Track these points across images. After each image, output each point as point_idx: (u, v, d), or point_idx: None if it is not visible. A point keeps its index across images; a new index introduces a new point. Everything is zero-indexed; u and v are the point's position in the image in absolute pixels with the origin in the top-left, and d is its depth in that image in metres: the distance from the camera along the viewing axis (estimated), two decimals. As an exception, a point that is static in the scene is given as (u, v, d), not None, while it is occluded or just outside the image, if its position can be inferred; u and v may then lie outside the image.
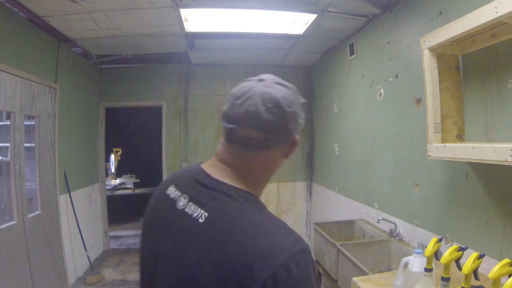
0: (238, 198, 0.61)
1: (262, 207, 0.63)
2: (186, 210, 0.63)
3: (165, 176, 4.28)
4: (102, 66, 4.09)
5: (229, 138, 0.67)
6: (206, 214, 0.60)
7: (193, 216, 0.61)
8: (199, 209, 0.61)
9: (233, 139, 0.66)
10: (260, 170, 0.68)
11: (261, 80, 0.67)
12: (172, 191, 0.69)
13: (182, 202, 0.65)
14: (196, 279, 0.56)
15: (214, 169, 0.67)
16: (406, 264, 1.34)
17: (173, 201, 0.67)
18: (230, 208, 0.60)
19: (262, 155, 0.66)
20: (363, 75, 2.81)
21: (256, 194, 0.66)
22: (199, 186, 0.65)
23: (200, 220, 0.59)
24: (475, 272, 1.09)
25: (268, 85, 0.66)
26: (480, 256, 1.09)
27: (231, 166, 0.66)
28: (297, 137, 0.71)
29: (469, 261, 1.07)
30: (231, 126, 0.64)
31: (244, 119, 0.63)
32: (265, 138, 0.64)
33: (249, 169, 0.67)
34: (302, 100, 0.72)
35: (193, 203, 0.63)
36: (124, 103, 4.35)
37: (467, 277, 1.07)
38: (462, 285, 1.09)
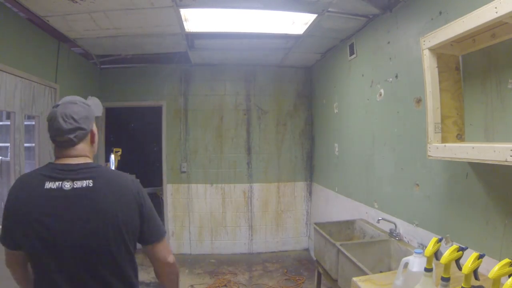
0: (95, 166, 1.09)
1: (108, 168, 1.12)
2: (75, 186, 1.01)
3: (165, 176, 4.28)
4: (102, 66, 4.09)
5: (59, 145, 1.08)
6: (91, 180, 1.03)
7: (83, 186, 1.02)
8: (83, 181, 1.02)
9: (60, 145, 1.08)
10: (87, 151, 1.13)
11: (57, 105, 1.08)
12: (51, 184, 1.01)
13: (68, 184, 1.01)
14: (106, 227, 1.01)
15: (67, 161, 1.07)
16: (406, 264, 1.34)
17: (59, 189, 1.00)
18: (97, 170, 1.07)
19: (81, 145, 1.10)
20: (363, 75, 2.82)
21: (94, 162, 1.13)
22: (70, 172, 1.03)
23: (90, 185, 1.02)
24: (475, 272, 1.09)
25: (64, 107, 1.07)
26: (480, 256, 1.09)
27: (73, 156, 1.08)
28: (94, 128, 1.16)
29: (469, 261, 1.07)
30: (54, 139, 1.07)
31: (57, 132, 1.05)
32: (69, 139, 1.06)
33: (82, 153, 1.10)
34: (88, 104, 1.15)
35: (77, 180, 1.02)
36: (124, 103, 4.35)
37: (467, 277, 1.07)
38: (462, 285, 1.09)
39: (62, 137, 1.05)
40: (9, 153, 2.47)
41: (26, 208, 0.99)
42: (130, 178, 1.13)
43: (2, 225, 1.02)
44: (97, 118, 4.17)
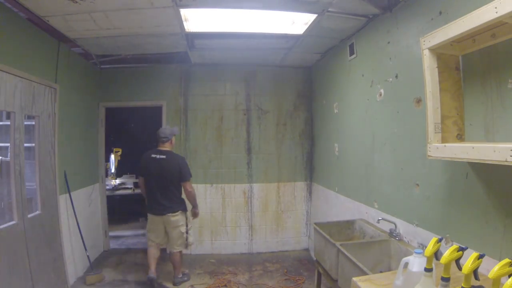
0: (170, 152, 3.33)
1: (174, 152, 3.39)
2: (158, 157, 3.24)
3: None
4: (102, 66, 4.09)
5: (159, 140, 3.33)
6: (164, 156, 3.25)
7: (161, 157, 3.24)
8: (162, 156, 3.25)
9: (159, 141, 3.33)
10: (170, 146, 3.36)
11: (160, 129, 3.42)
12: (154, 155, 3.26)
13: (158, 156, 3.25)
14: (168, 172, 3.23)
15: (161, 148, 3.31)
16: (406, 264, 1.34)
17: (155, 157, 3.24)
18: (169, 154, 3.30)
19: (168, 143, 3.33)
20: (363, 75, 2.82)
21: (172, 150, 3.37)
22: (158, 152, 3.28)
23: (164, 157, 3.25)
24: (475, 272, 1.09)
25: (162, 129, 3.40)
26: (480, 256, 1.09)
27: (163, 146, 3.31)
28: (172, 138, 3.38)
29: (469, 261, 1.07)
30: (158, 137, 3.33)
31: (160, 135, 3.32)
32: (163, 139, 3.32)
33: (168, 146, 3.33)
34: (171, 129, 3.43)
35: (159, 155, 3.25)
36: (124, 103, 4.35)
37: (467, 277, 1.07)
38: (462, 285, 1.09)
39: (160, 138, 3.28)
40: (9, 153, 2.46)
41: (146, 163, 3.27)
42: (180, 156, 3.39)
43: (140, 168, 3.33)
44: (97, 118, 4.18)
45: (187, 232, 3.32)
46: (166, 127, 3.38)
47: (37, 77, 2.68)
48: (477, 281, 1.12)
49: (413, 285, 1.23)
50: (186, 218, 3.31)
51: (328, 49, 3.58)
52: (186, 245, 3.36)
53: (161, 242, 3.30)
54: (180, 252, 3.36)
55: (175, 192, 3.23)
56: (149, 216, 3.25)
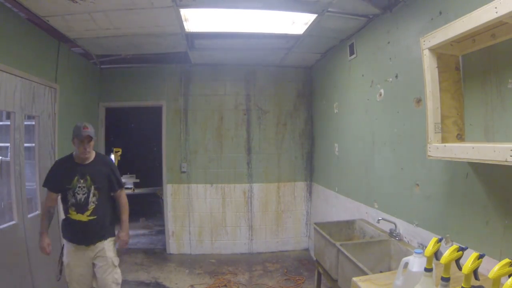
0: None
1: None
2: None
3: (165, 176, 4.28)
4: (102, 66, 4.09)
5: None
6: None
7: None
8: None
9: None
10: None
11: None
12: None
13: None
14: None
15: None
16: (406, 264, 1.34)
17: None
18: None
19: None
20: (363, 75, 2.82)
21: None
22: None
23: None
24: (475, 272, 1.09)
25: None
26: (480, 256, 1.09)
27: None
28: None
29: (469, 261, 1.07)
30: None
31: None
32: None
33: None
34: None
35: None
36: (124, 103, 4.35)
37: (467, 277, 1.07)
38: (462, 285, 1.09)
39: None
40: (9, 153, 2.46)
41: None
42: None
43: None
44: (97, 118, 4.17)
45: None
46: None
47: (37, 77, 2.68)
48: (477, 281, 1.12)
49: (413, 285, 1.23)
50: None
51: (328, 49, 3.58)
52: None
53: None
54: None
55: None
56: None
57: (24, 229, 2.45)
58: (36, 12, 2.39)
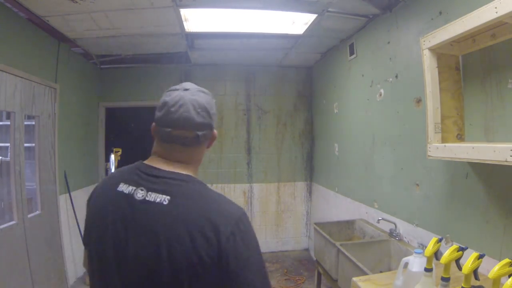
0: (188, 180, 0.77)
1: (206, 186, 0.80)
2: (147, 199, 0.73)
3: (165, 176, 4.27)
4: (102, 66, 4.09)
5: (166, 139, 0.80)
6: (168, 197, 0.72)
7: (156, 202, 0.72)
8: (160, 195, 0.73)
9: (170, 140, 0.80)
10: (195, 160, 0.85)
11: (186, 89, 0.82)
12: (125, 188, 0.77)
13: (140, 194, 0.74)
14: (165, 260, 0.67)
15: (160, 164, 0.80)
16: (406, 264, 1.34)
17: (130, 195, 0.75)
18: (186, 189, 0.75)
19: (195, 149, 0.83)
20: (363, 75, 2.81)
21: (196, 177, 0.82)
22: (152, 178, 0.76)
23: (165, 203, 0.71)
24: (475, 272, 1.09)
25: (194, 94, 0.81)
26: (480, 256, 1.09)
27: (174, 160, 0.80)
28: (215, 131, 0.88)
29: (469, 261, 1.07)
30: (168, 129, 0.78)
31: (180, 123, 0.78)
32: (196, 136, 0.80)
33: (188, 160, 0.82)
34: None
35: (152, 192, 0.74)
36: (124, 103, 4.35)
37: (467, 277, 1.07)
38: (462, 285, 1.09)
39: (186, 129, 0.78)
40: (9, 153, 2.46)
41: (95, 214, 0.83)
42: (227, 210, 0.74)
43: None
44: (97, 118, 4.16)
45: None
46: (201, 92, 0.84)
47: (37, 77, 2.68)
48: (477, 281, 1.12)
49: (413, 285, 1.23)
50: None
51: (328, 49, 3.58)
52: None
53: None
54: None
55: None
56: None
57: (24, 229, 2.45)
58: (36, 12, 2.39)
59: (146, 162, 0.82)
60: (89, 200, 0.87)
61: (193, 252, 0.67)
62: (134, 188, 0.76)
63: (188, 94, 0.80)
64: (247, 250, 0.71)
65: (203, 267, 0.67)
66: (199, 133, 0.80)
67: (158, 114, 0.81)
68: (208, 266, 0.67)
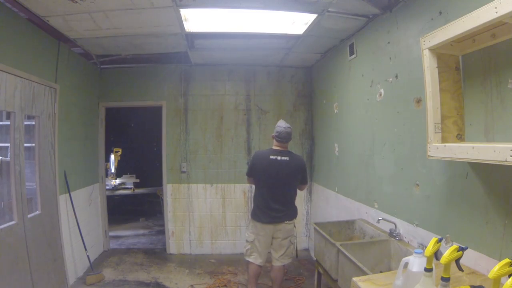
0: (290, 152, 2.80)
1: (295, 153, 2.86)
2: (280, 159, 2.72)
3: (165, 176, 4.28)
4: (102, 66, 4.09)
5: (281, 140, 2.76)
6: (287, 158, 2.73)
7: (283, 159, 2.72)
8: (285, 157, 2.73)
9: (282, 141, 2.76)
10: (288, 146, 2.83)
11: (285, 127, 2.76)
12: (273, 156, 2.72)
13: (279, 157, 2.72)
14: (289, 174, 2.74)
15: (280, 147, 2.77)
16: (406, 264, 1.34)
17: (275, 159, 2.72)
18: (292, 155, 2.79)
19: (287, 143, 2.81)
20: (363, 75, 2.82)
21: (291, 151, 2.85)
22: (281, 153, 2.74)
23: (286, 159, 2.72)
24: (458, 263, 1.15)
25: (286, 128, 2.76)
26: (461, 249, 1.14)
27: (284, 147, 2.78)
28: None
29: (447, 252, 1.13)
30: (279, 139, 2.77)
31: (287, 136, 2.76)
32: (288, 141, 2.80)
33: (287, 147, 2.81)
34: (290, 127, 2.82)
35: (281, 156, 2.72)
36: (124, 103, 4.35)
37: (446, 267, 1.12)
38: (442, 274, 1.12)
39: (285, 139, 2.74)
40: (9, 153, 2.46)
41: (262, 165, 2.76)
42: (301, 158, 2.89)
43: (252, 169, 2.84)
44: (97, 118, 4.17)
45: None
46: (288, 126, 2.76)
47: (37, 77, 2.68)
48: (461, 271, 1.12)
49: (413, 285, 1.23)
50: (294, 226, 2.83)
51: (328, 49, 3.58)
52: (296, 255, 2.89)
53: (265, 256, 2.79)
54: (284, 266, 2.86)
55: (294, 198, 2.80)
56: (258, 225, 2.72)
57: (24, 229, 2.45)
58: (36, 12, 2.39)
59: (273, 148, 2.78)
60: (254, 160, 2.84)
61: (295, 169, 2.76)
62: (275, 156, 2.71)
63: (286, 129, 2.73)
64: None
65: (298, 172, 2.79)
66: (288, 140, 2.77)
67: (276, 134, 2.76)
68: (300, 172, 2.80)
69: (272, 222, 2.68)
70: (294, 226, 2.80)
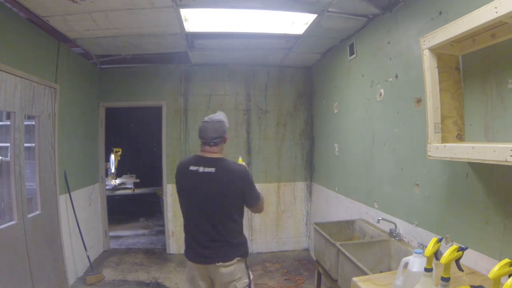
0: (221, 160, 1.79)
1: (228, 160, 1.82)
2: (205, 170, 1.74)
3: (165, 176, 4.27)
4: (102, 66, 4.09)
5: (205, 142, 1.80)
6: (213, 169, 1.74)
7: (206, 171, 1.74)
8: (209, 168, 1.74)
9: (206, 142, 1.80)
10: (220, 150, 1.83)
11: (208, 122, 1.81)
12: (194, 167, 1.77)
13: (201, 169, 1.75)
14: (219, 194, 1.74)
15: (206, 154, 1.79)
16: (406, 264, 1.34)
17: (196, 170, 1.75)
18: (224, 164, 1.78)
19: (216, 146, 1.80)
20: (363, 75, 2.82)
21: (224, 157, 1.83)
22: (205, 161, 1.76)
23: (212, 171, 1.73)
24: (458, 263, 1.14)
25: (212, 123, 1.81)
26: (461, 249, 1.14)
27: (211, 152, 1.79)
28: (226, 135, 1.87)
29: (448, 252, 1.12)
30: (203, 140, 1.81)
31: (205, 137, 1.79)
32: (214, 142, 1.79)
33: (216, 151, 1.80)
34: (224, 121, 1.87)
35: (204, 167, 1.75)
36: (124, 103, 4.35)
37: (445, 267, 1.11)
38: (442, 274, 1.12)
39: (209, 140, 1.79)
40: (9, 153, 2.46)
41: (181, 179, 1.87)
42: (240, 166, 1.83)
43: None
44: (97, 118, 4.17)
45: None
46: (217, 118, 1.85)
47: (37, 77, 2.68)
48: (461, 271, 1.12)
49: (413, 285, 1.23)
50: (247, 268, 1.87)
51: (328, 49, 3.58)
52: None
53: None
54: None
55: (234, 227, 1.82)
56: (189, 264, 1.95)
57: (24, 229, 2.45)
58: (36, 12, 2.39)
59: (198, 154, 1.83)
60: (176, 174, 1.88)
61: (228, 186, 1.74)
62: (197, 167, 1.77)
63: (209, 124, 1.81)
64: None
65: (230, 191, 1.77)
66: (215, 140, 1.80)
67: (199, 132, 1.83)
68: (239, 188, 1.78)
69: (202, 262, 1.82)
70: (246, 267, 1.85)
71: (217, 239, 1.78)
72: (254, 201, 1.88)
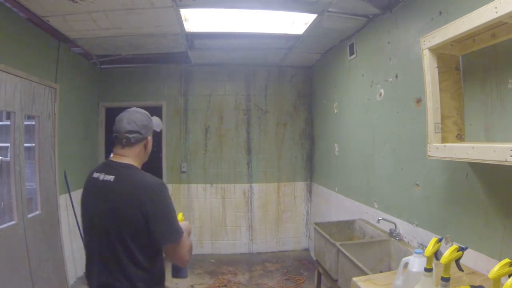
0: (128, 167, 1.28)
1: (140, 170, 1.32)
2: (104, 178, 1.26)
3: (165, 176, 4.27)
4: (102, 66, 4.09)
5: (115, 141, 1.32)
6: (113, 177, 1.24)
7: (106, 179, 1.25)
8: (109, 176, 1.25)
9: (116, 142, 1.32)
10: (135, 154, 1.33)
11: (127, 111, 1.35)
12: (97, 175, 1.30)
13: (101, 176, 1.28)
14: (116, 210, 1.19)
15: (115, 158, 1.32)
16: (406, 264, 1.34)
17: (97, 178, 1.28)
18: (124, 172, 1.26)
19: (131, 148, 1.32)
20: (363, 75, 2.81)
21: (137, 166, 1.33)
22: (109, 167, 1.29)
23: (111, 180, 1.24)
24: (458, 263, 1.14)
25: (130, 113, 1.34)
26: (461, 249, 1.13)
27: (120, 155, 1.32)
28: (149, 137, 1.40)
29: (447, 252, 1.12)
30: (114, 134, 1.32)
31: (118, 129, 1.30)
32: (128, 138, 1.29)
33: (128, 154, 1.31)
34: (150, 118, 1.43)
35: (106, 174, 1.27)
36: (124, 103, 4.33)
37: (445, 267, 1.11)
38: (442, 274, 1.12)
39: (121, 134, 1.29)
40: (9, 153, 2.46)
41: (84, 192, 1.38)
42: (150, 181, 1.24)
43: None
44: (97, 118, 4.17)
45: None
46: (141, 110, 1.41)
47: (37, 77, 2.68)
48: (461, 271, 1.12)
49: (413, 285, 1.23)
50: None
51: (328, 49, 3.58)
52: None
53: None
54: None
55: (132, 271, 1.20)
56: None
57: (24, 229, 2.45)
58: (36, 12, 2.39)
59: (110, 158, 1.35)
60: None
61: (127, 202, 1.20)
62: (99, 174, 1.30)
63: (126, 113, 1.33)
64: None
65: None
66: (130, 135, 1.29)
67: (114, 125, 1.32)
68: (142, 209, 1.19)
69: None
70: None
71: (120, 276, 1.18)
72: (169, 237, 1.18)
